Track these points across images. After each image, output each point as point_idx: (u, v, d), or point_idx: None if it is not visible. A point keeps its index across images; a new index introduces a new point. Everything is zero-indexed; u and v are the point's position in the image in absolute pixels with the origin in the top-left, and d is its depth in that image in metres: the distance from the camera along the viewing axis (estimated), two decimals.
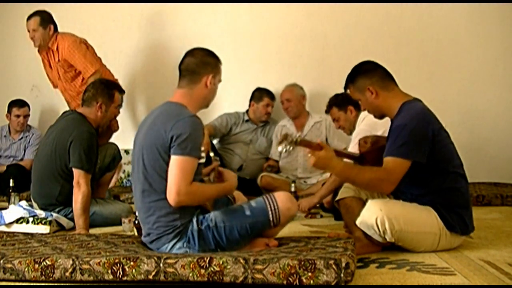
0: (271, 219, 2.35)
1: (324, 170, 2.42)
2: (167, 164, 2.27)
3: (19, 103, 4.83)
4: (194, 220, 2.34)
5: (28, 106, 4.87)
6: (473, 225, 2.61)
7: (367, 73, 2.59)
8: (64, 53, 4.25)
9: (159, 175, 2.29)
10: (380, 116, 2.66)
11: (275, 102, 4.75)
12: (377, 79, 2.57)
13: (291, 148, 2.40)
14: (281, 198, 2.39)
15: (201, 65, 2.44)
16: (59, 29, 4.37)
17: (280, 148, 2.39)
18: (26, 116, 4.85)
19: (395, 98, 2.56)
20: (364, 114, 3.69)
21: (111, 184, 4.10)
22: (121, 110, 3.54)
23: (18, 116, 4.80)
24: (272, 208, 2.35)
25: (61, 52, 4.27)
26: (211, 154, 2.72)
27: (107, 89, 3.38)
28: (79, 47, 4.26)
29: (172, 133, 2.26)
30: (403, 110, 2.52)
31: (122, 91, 3.48)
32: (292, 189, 3.90)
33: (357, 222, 2.49)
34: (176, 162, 2.25)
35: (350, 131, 3.73)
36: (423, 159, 2.42)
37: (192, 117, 2.32)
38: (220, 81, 2.52)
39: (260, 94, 4.70)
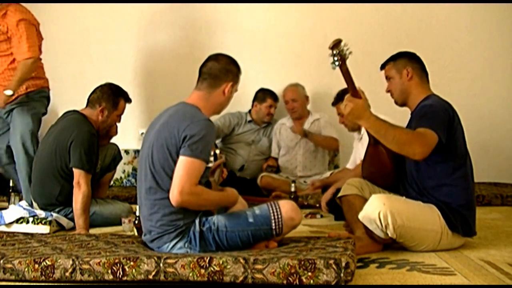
0: (273, 227, 2.34)
1: (356, 120, 2.34)
2: (176, 164, 2.27)
3: None
4: (197, 221, 2.33)
5: None
6: (475, 230, 2.62)
7: (411, 58, 2.72)
8: (9, 22, 3.63)
9: (167, 174, 2.29)
10: (402, 102, 2.71)
11: (278, 102, 4.75)
12: (418, 66, 2.69)
13: (338, 63, 2.25)
14: (285, 207, 2.38)
15: (224, 71, 2.46)
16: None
17: (330, 54, 2.26)
18: None
19: (424, 89, 2.67)
20: None
21: None
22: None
23: None
24: (276, 217, 2.34)
25: (6, 20, 3.64)
26: (217, 151, 2.70)
27: (113, 95, 3.37)
28: (29, 27, 3.66)
29: (185, 133, 2.26)
30: (427, 99, 2.61)
31: (128, 100, 3.46)
32: (292, 189, 3.90)
33: (360, 216, 2.49)
34: (183, 163, 2.25)
35: (352, 128, 3.72)
36: (444, 138, 2.44)
37: (207, 121, 2.33)
38: (236, 90, 2.54)
39: (263, 95, 4.69)
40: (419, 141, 2.35)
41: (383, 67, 2.77)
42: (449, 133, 2.48)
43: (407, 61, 2.69)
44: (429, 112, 2.49)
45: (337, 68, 2.35)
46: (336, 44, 2.29)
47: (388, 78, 2.74)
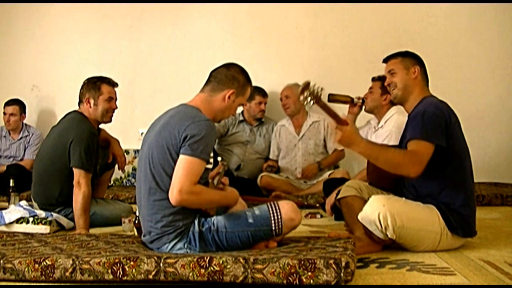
0: (273, 228, 2.35)
1: (348, 147, 2.37)
2: (176, 164, 2.27)
3: (8, 102, 4.85)
4: (196, 221, 2.33)
5: (20, 104, 4.86)
6: (475, 229, 2.62)
7: (419, 60, 2.73)
8: None
9: (167, 174, 2.29)
10: (401, 98, 2.68)
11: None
12: (424, 70, 2.72)
13: (312, 102, 2.23)
14: (285, 208, 2.38)
15: (230, 78, 2.46)
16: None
17: (301, 98, 2.24)
18: (13, 114, 4.82)
19: (423, 91, 2.68)
20: (393, 111, 3.62)
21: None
22: (120, 110, 3.53)
23: (5, 114, 4.81)
24: (275, 218, 2.35)
25: None
26: (219, 158, 2.72)
27: (91, 83, 3.37)
28: None
29: (186, 133, 2.26)
30: (422, 102, 2.61)
31: (111, 84, 3.42)
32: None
33: (359, 216, 2.49)
34: (183, 162, 2.25)
35: (370, 110, 3.72)
36: (443, 142, 2.44)
37: (208, 121, 2.33)
38: (240, 104, 2.53)
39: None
40: (412, 162, 2.38)
41: (388, 59, 2.77)
42: (447, 135, 2.47)
43: (415, 61, 2.71)
44: (421, 119, 2.46)
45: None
46: (305, 87, 2.26)
47: (391, 72, 2.72)
